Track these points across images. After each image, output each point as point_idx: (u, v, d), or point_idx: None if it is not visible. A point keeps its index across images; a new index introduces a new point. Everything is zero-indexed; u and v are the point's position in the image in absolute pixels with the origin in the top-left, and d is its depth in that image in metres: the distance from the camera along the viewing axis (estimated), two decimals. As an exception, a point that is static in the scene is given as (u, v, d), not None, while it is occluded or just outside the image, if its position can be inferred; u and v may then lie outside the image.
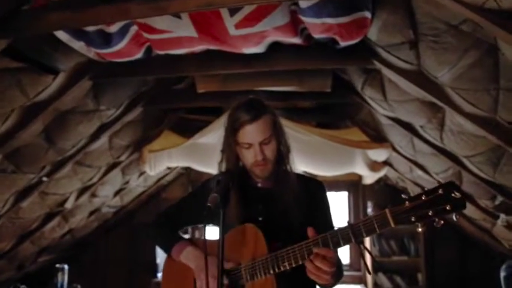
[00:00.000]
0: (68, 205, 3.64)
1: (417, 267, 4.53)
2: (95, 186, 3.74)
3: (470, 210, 3.47)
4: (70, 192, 3.52)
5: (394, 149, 3.25)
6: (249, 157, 1.31)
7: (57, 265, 2.66)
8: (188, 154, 3.65)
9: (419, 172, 3.29)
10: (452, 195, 1.03)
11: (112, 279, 5.20)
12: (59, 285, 2.55)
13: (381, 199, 4.75)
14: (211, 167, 3.92)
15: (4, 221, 3.16)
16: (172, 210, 1.56)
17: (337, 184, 4.99)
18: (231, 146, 1.34)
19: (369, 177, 4.23)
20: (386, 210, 1.09)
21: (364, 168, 3.71)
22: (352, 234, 1.13)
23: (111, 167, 3.65)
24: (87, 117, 2.63)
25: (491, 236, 3.73)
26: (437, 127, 2.37)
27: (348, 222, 1.16)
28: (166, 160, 3.71)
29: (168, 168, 4.31)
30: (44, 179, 2.97)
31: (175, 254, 1.40)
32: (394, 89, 2.25)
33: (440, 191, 1.04)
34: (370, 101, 2.59)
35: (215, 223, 1.20)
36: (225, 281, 1.25)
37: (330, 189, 5.12)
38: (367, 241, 4.60)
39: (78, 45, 1.90)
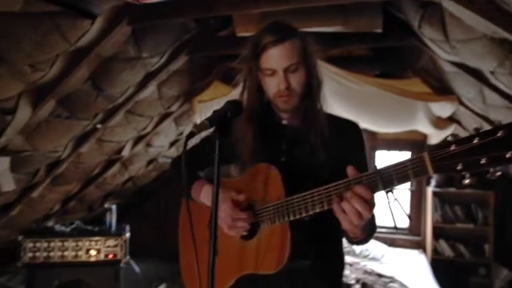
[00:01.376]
0: (125, 153, 3.84)
1: (484, 237, 4.13)
2: (149, 136, 3.88)
3: (552, 175, 3.01)
4: (125, 140, 3.69)
5: (461, 103, 2.86)
6: (272, 86, 1.17)
7: (106, 205, 2.83)
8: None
9: (491, 129, 2.88)
10: None
11: (172, 226, 5.50)
12: (107, 224, 2.71)
13: (447, 161, 4.33)
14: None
15: (68, 165, 3.42)
16: (193, 151, 1.49)
17: (400, 143, 4.64)
18: (252, 73, 1.20)
19: (434, 136, 3.83)
20: (425, 154, 0.89)
21: (427, 124, 3.37)
22: (380, 181, 0.94)
23: (163, 117, 3.73)
24: (130, 64, 2.65)
25: None
26: (511, 71, 1.99)
27: (376, 167, 0.99)
28: (216, 111, 3.70)
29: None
30: (98, 126, 3.12)
31: (195, 194, 1.33)
32: (457, 25, 1.90)
33: (500, 134, 0.80)
34: (429, 43, 2.25)
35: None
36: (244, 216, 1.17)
37: (392, 148, 4.79)
38: (429, 206, 4.28)
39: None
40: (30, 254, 2.39)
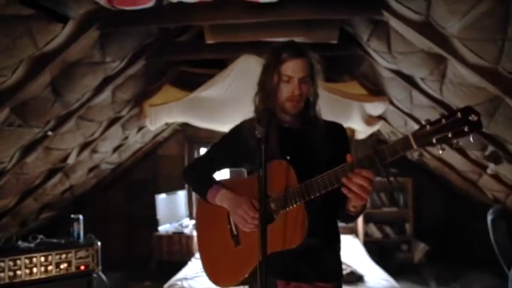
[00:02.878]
0: (70, 160, 3.68)
1: (405, 218, 4.81)
2: (95, 142, 3.77)
3: (459, 162, 3.67)
4: (72, 147, 3.55)
5: (391, 103, 3.36)
6: (286, 91, 1.39)
7: (72, 215, 2.73)
8: (188, 109, 3.67)
9: (415, 125, 3.42)
10: (470, 118, 1.08)
11: (112, 236, 5.31)
12: (75, 234, 2.63)
13: (373, 154, 4.93)
14: (211, 122, 3.99)
15: (9, 176, 3.18)
16: (209, 154, 1.63)
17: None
18: (272, 78, 1.39)
19: (363, 132, 4.36)
20: (409, 134, 1.16)
21: (360, 122, 3.83)
22: (377, 158, 1.20)
23: (112, 122, 3.66)
24: (92, 68, 2.61)
25: (476, 187, 3.97)
26: (438, 79, 2.46)
27: (373, 147, 1.24)
28: (166, 115, 3.73)
29: (166, 124, 4.35)
30: (49, 133, 2.98)
31: (211, 197, 1.48)
32: (400, 40, 2.31)
33: (458, 115, 1.09)
34: (373, 54, 2.65)
35: (254, 159, 1.27)
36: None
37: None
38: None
39: (91, -9, 1.88)
40: (-8, 275, 2.22)
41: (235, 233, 1.45)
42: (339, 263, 1.50)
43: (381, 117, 3.92)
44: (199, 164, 1.64)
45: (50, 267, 2.35)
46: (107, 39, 2.46)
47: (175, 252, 4.58)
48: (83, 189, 4.83)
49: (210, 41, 2.53)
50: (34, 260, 2.32)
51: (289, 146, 1.44)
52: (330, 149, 1.42)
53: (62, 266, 2.39)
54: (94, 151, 3.94)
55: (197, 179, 1.58)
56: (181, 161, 5.45)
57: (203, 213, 1.60)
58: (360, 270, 3.36)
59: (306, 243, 1.32)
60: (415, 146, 1.15)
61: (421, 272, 4.49)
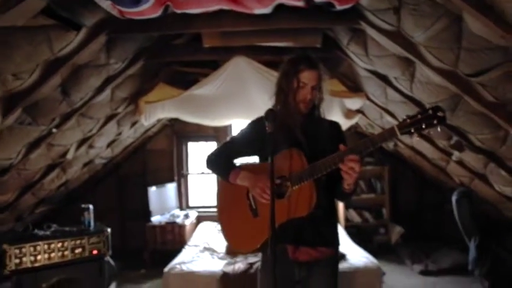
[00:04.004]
0: (69, 156, 3.87)
1: (382, 203, 5.23)
2: (92, 138, 3.97)
3: (429, 150, 4.08)
4: (71, 143, 3.74)
5: (368, 98, 3.71)
6: (301, 94, 1.71)
7: (83, 205, 2.95)
8: (181, 105, 3.92)
9: (389, 118, 3.79)
10: (438, 114, 1.45)
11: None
12: (86, 222, 2.86)
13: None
14: (202, 118, 4.25)
15: (13, 172, 3.36)
16: (232, 142, 1.93)
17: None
18: (291, 83, 1.71)
19: (343, 125, 4.67)
20: (394, 125, 1.52)
21: (340, 116, 4.17)
22: (370, 143, 1.54)
23: (109, 119, 3.87)
24: (97, 70, 2.83)
25: (445, 173, 4.40)
26: (409, 78, 2.81)
27: (367, 136, 1.59)
28: (160, 111, 3.96)
29: (158, 120, 4.58)
30: (54, 130, 3.18)
31: (233, 178, 1.78)
32: (375, 46, 2.64)
33: (430, 111, 1.46)
34: (352, 56, 2.97)
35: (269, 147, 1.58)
36: (277, 181, 1.66)
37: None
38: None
39: (106, 4, 2.11)
40: (16, 261, 2.43)
41: (253, 207, 1.76)
42: (337, 232, 1.85)
43: (359, 111, 4.27)
44: (221, 152, 1.92)
45: (66, 252, 2.58)
46: (112, 43, 2.69)
47: (169, 242, 4.83)
48: (76, 184, 5.00)
49: (207, 45, 2.80)
50: (52, 245, 2.54)
51: (301, 138, 1.76)
52: (330, 140, 1.76)
53: (76, 251, 2.63)
54: (90, 146, 4.13)
55: (220, 163, 1.88)
56: (169, 155, 5.69)
57: (223, 193, 1.93)
58: (342, 250, 3.72)
59: (313, 214, 1.64)
60: (398, 134, 1.51)
61: (397, 251, 4.91)
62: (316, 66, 1.72)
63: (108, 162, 5.16)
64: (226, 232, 1.87)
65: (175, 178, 5.66)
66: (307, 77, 1.70)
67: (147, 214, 5.03)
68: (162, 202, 5.22)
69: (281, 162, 1.68)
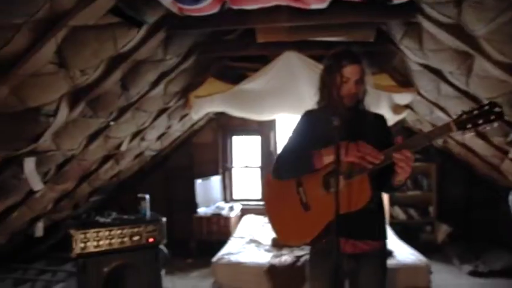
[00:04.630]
0: (123, 148, 4.07)
1: (429, 201, 5.09)
2: (145, 131, 4.15)
3: (482, 147, 3.92)
4: (125, 136, 3.93)
5: (419, 93, 3.62)
6: (345, 89, 1.72)
7: (139, 195, 3.12)
8: (229, 100, 4.00)
9: (440, 114, 3.69)
10: (495, 109, 1.43)
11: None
12: (143, 211, 3.03)
13: (398, 141, 5.21)
14: (249, 112, 4.33)
15: (73, 163, 3.59)
16: (290, 144, 1.89)
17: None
18: (335, 78, 1.71)
19: (390, 120, 4.63)
20: (450, 121, 1.50)
21: (387, 110, 4.10)
22: (427, 138, 1.56)
23: (161, 112, 4.03)
24: (154, 65, 2.97)
25: (498, 171, 4.21)
26: (465, 73, 2.72)
27: (421, 130, 1.60)
28: (208, 105, 4.07)
29: (205, 113, 4.71)
30: (112, 123, 3.36)
31: (318, 162, 1.71)
32: (431, 39, 2.58)
33: (486, 107, 1.44)
34: (405, 50, 2.92)
35: (327, 141, 1.62)
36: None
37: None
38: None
39: (167, 1, 2.21)
40: (81, 245, 2.62)
41: (304, 201, 1.78)
42: (385, 225, 1.85)
43: (407, 106, 4.18)
44: (285, 154, 1.87)
45: (125, 239, 2.75)
46: (169, 39, 2.81)
47: (214, 233, 4.97)
48: (127, 175, 5.25)
49: (261, 41, 2.85)
50: (112, 232, 2.71)
51: (348, 131, 1.73)
52: (375, 133, 1.77)
53: (134, 238, 2.79)
54: (142, 139, 4.32)
55: (293, 162, 1.81)
56: (215, 148, 5.82)
57: (271, 189, 1.97)
58: (389, 246, 3.67)
59: (365, 207, 1.65)
60: (455, 130, 1.49)
61: (445, 251, 4.77)
62: (359, 60, 1.71)
63: (157, 154, 5.37)
64: (276, 226, 1.90)
65: (220, 171, 5.79)
66: (350, 71, 1.69)
67: (193, 206, 5.19)
68: (207, 194, 5.37)
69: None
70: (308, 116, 1.90)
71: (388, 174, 1.65)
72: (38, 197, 3.63)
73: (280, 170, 1.85)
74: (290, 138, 1.93)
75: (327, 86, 1.77)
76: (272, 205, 1.94)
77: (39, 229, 4.28)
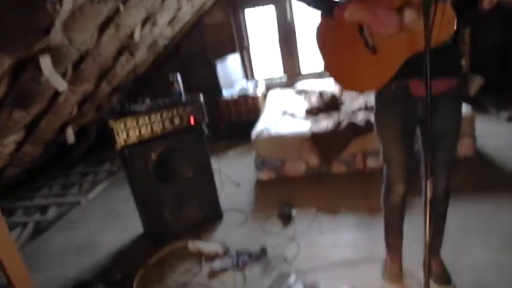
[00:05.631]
0: (136, 36, 3.79)
1: (462, 53, 4.78)
2: (155, 16, 3.81)
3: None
4: (136, 23, 3.62)
5: None
6: None
7: (170, 75, 2.93)
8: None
9: None
10: None
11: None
12: (177, 93, 2.88)
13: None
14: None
15: (89, 60, 3.37)
16: None
17: None
18: None
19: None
20: None
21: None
22: None
23: (169, -8, 3.63)
24: None
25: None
26: None
27: None
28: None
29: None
30: (121, 7, 3.04)
31: (338, 13, 1.51)
32: None
33: None
34: None
35: None
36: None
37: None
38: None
39: None
40: (124, 136, 2.55)
41: (370, 43, 1.53)
42: (461, 59, 1.64)
43: None
44: None
45: (166, 123, 2.66)
46: None
47: (243, 113, 4.93)
48: (142, 69, 5.04)
49: None
50: (152, 118, 2.61)
51: None
52: None
53: (175, 121, 2.70)
54: (154, 24, 4.00)
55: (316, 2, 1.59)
56: (228, 27, 5.43)
57: (327, 36, 1.67)
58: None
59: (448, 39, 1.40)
60: None
61: (480, 101, 4.65)
62: None
63: (169, 43, 5.06)
64: (338, 76, 1.68)
65: (238, 49, 5.50)
66: None
67: (213, 90, 5.02)
68: (227, 75, 5.17)
69: None
70: None
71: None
72: (61, 102, 3.54)
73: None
74: None
75: None
76: (330, 54, 1.68)
77: (70, 135, 4.30)
